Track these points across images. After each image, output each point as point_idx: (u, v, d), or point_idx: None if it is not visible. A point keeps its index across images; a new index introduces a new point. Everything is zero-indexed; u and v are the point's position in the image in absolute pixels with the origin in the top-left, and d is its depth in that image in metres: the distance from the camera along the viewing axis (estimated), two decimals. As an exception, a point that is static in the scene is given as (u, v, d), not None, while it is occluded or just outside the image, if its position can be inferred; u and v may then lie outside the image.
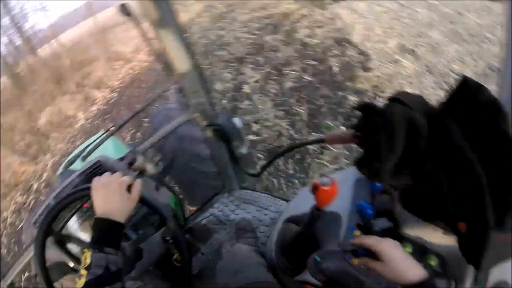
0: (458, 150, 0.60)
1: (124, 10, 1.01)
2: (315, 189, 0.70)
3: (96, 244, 0.62)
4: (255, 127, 2.65)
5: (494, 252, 0.62)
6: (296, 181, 2.07)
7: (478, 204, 0.58)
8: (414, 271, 0.57)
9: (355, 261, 0.68)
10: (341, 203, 0.86)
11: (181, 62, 1.10)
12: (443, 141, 0.61)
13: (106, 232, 0.65)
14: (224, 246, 1.31)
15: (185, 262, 0.84)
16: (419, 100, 0.67)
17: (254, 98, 3.03)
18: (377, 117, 0.68)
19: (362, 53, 3.28)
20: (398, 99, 0.66)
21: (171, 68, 1.11)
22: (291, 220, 1.00)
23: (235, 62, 4.07)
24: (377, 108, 0.69)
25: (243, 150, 1.50)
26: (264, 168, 1.22)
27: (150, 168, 1.04)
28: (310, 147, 2.06)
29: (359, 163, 0.71)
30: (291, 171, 2.13)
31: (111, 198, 0.68)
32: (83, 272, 0.58)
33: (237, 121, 1.42)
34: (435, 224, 0.73)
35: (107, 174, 0.72)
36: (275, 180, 2.12)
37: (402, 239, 0.78)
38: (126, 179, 0.71)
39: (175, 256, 0.90)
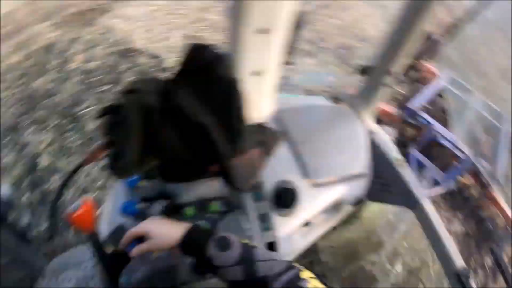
0: (185, 113, 0.66)
1: None
2: (71, 220, 0.66)
3: None
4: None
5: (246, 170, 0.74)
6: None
7: (212, 148, 0.67)
8: (176, 229, 0.64)
9: (133, 252, 0.67)
10: (117, 215, 0.86)
11: None
12: (175, 109, 0.66)
13: None
14: None
15: None
16: (153, 81, 0.70)
17: (61, 164, 2.29)
18: (116, 115, 0.68)
19: (152, 56, 3.03)
20: (132, 89, 0.67)
21: None
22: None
23: (8, 134, 2.91)
24: (114, 107, 0.69)
25: (26, 219, 1.34)
26: (53, 228, 0.98)
27: None
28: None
29: (110, 168, 0.71)
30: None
31: None
32: None
33: (4, 189, 1.18)
34: (196, 179, 0.82)
35: None
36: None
37: (182, 207, 0.85)
38: None
39: None
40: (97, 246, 0.71)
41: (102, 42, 3.63)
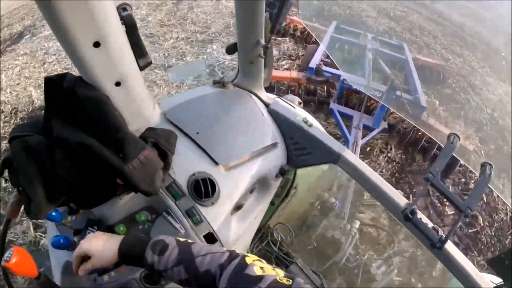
0: (66, 141, 0.70)
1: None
2: (10, 269, 0.66)
3: None
4: None
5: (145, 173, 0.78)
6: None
7: (105, 161, 0.70)
8: (113, 242, 0.67)
9: (106, 277, 0.79)
10: (62, 252, 0.89)
11: None
12: (58, 141, 0.70)
13: None
14: None
15: None
16: (34, 122, 0.76)
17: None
18: (12, 166, 0.73)
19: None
20: (14, 136, 0.71)
21: None
22: None
23: None
24: (8, 159, 0.73)
25: None
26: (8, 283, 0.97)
27: None
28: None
29: (27, 213, 0.73)
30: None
31: None
32: None
33: None
34: (112, 197, 0.84)
35: None
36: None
37: (113, 227, 0.90)
38: None
39: None
40: (48, 285, 0.75)
41: None
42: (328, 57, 3.72)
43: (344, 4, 4.86)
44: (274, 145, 1.19)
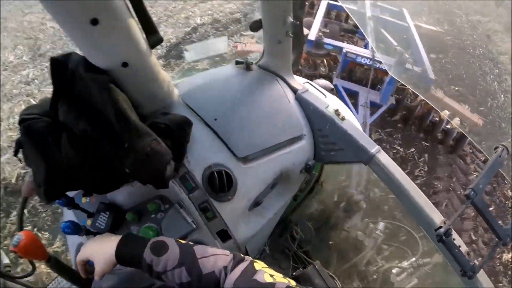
0: (69, 127, 0.66)
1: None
2: (17, 252, 0.70)
3: None
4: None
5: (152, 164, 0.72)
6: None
7: (108, 152, 0.68)
8: (110, 245, 0.65)
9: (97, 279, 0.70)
10: (71, 240, 0.91)
11: None
12: (63, 127, 0.67)
13: None
14: None
15: None
16: (42, 105, 0.72)
17: None
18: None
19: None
20: (22, 119, 0.69)
21: None
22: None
23: None
24: (19, 141, 0.72)
25: (5, 260, 1.24)
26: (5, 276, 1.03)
27: None
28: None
29: (38, 195, 0.73)
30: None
31: None
32: None
33: None
34: (123, 184, 0.81)
35: None
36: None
37: (125, 212, 0.87)
38: None
39: None
40: (59, 267, 0.78)
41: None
42: (326, 26, 3.36)
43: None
44: (300, 137, 1.07)
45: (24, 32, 7.28)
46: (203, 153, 0.90)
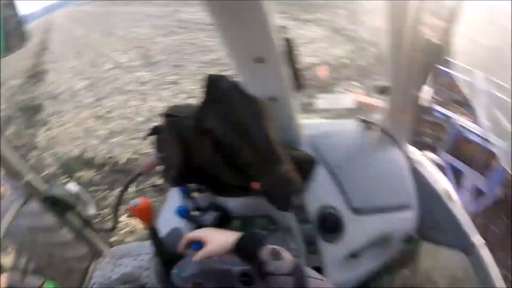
0: (215, 134, 0.74)
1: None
2: (132, 212, 0.78)
3: None
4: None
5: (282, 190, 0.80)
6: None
7: (245, 167, 0.76)
8: (230, 236, 0.70)
9: (196, 257, 0.74)
10: (174, 218, 0.97)
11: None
12: (206, 131, 0.76)
13: None
14: None
15: None
16: (187, 107, 0.84)
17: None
18: (160, 135, 0.86)
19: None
20: (169, 114, 0.81)
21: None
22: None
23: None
24: (160, 128, 0.85)
25: (91, 210, 1.49)
26: (116, 221, 1.25)
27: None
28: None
29: (164, 176, 0.87)
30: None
31: None
32: None
33: (71, 186, 1.43)
34: (244, 195, 0.89)
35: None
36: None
37: (231, 220, 0.95)
38: None
39: None
40: (155, 237, 0.84)
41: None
42: (437, 93, 3.22)
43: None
44: (408, 206, 1.09)
45: (133, 40, 8.80)
46: (321, 192, 0.98)
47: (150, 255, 1.01)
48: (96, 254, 1.68)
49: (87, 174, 3.33)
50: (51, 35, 14.76)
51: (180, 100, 4.53)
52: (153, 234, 0.83)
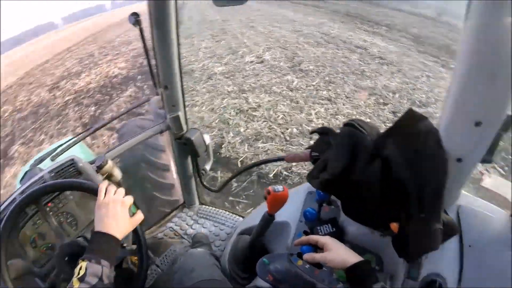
0: (390, 164, 0.73)
1: (133, 19, 1.17)
2: (268, 194, 0.83)
3: (94, 255, 0.66)
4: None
5: (420, 243, 0.74)
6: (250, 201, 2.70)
7: (406, 207, 0.71)
8: (353, 257, 0.71)
9: (300, 262, 0.82)
10: (291, 213, 1.03)
11: (168, 75, 1.28)
12: (381, 158, 0.74)
13: (105, 246, 0.70)
14: (179, 259, 1.27)
15: (141, 270, 0.95)
16: (370, 125, 0.83)
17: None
18: (331, 137, 0.86)
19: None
20: (351, 124, 0.82)
21: (157, 79, 1.29)
22: (245, 231, 1.18)
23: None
24: (332, 131, 0.87)
25: (208, 166, 1.58)
26: (224, 184, 1.44)
27: (117, 174, 1.24)
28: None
29: (311, 176, 0.86)
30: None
31: (114, 216, 0.75)
32: (75, 282, 0.62)
33: (207, 138, 1.50)
34: (373, 227, 0.88)
35: (111, 190, 0.82)
36: (232, 198, 2.70)
37: (343, 242, 0.85)
38: (128, 199, 0.83)
39: (132, 260, 1.04)
40: (267, 225, 0.89)
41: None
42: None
43: None
44: None
45: (276, 40, 8.40)
46: (441, 260, 0.92)
47: (234, 231, 1.05)
48: (187, 204, 1.78)
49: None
50: (183, 12, 14.44)
51: (339, 122, 4.18)
52: (268, 221, 0.88)
